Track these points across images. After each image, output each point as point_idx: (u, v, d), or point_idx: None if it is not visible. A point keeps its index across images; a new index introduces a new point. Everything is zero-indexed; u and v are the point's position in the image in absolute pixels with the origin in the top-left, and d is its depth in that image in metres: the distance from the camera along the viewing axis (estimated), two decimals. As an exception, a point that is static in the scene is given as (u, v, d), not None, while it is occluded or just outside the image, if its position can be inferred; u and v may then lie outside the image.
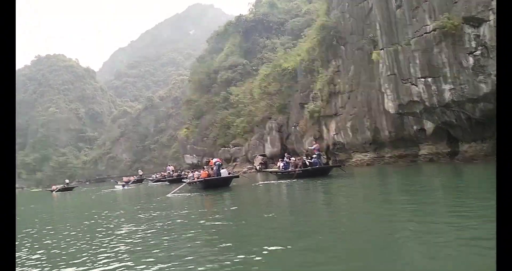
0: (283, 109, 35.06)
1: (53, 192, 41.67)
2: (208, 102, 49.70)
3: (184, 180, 24.20)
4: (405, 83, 17.28)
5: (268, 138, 35.15)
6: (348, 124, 24.18)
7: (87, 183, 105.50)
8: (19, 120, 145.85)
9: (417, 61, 16.41)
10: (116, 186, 36.40)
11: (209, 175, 19.96)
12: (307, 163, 21.28)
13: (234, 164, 39.24)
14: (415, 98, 16.78)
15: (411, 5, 16.96)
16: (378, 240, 5.10)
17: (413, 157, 21.01)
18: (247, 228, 7.16)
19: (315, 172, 19.71)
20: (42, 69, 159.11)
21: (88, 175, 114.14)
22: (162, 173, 44.56)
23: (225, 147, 42.49)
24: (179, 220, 8.78)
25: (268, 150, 35.21)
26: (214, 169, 20.51)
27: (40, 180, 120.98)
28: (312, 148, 21.61)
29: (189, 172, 32.17)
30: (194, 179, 21.22)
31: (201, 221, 8.33)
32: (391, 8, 18.21)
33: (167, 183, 33.43)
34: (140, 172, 49.15)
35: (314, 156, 21.55)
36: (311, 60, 29.48)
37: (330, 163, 23.53)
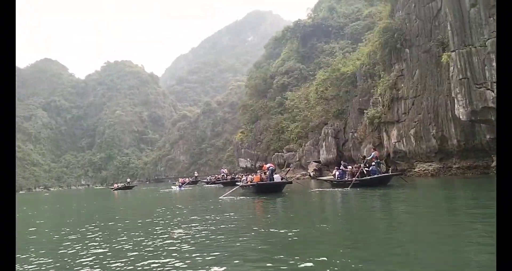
0: (340, 115, 33.92)
1: (114, 190, 44.21)
2: (264, 107, 49.82)
3: (238, 183, 24.28)
4: (479, 88, 15.67)
5: (324, 144, 34.15)
6: (412, 131, 22.58)
7: (147, 182, 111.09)
8: (88, 122, 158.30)
9: (494, 64, 14.80)
10: (172, 187, 37.58)
11: (261, 180, 19.73)
12: (365, 171, 20.18)
13: (287, 169, 38.61)
14: (490, 105, 15.12)
15: (488, 4, 15.39)
16: (444, 265, 4.27)
17: (484, 168, 18.99)
18: (300, 236, 6.65)
19: (373, 182, 18.58)
20: (111, 74, 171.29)
21: (148, 174, 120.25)
22: (216, 175, 45.31)
23: (278, 152, 42.14)
24: (231, 225, 8.48)
25: (323, 156, 34.20)
26: (267, 173, 20.20)
27: (105, 178, 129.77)
28: (371, 156, 20.43)
29: (242, 175, 32.39)
30: (247, 183, 21.13)
31: (254, 227, 7.99)
32: (464, 8, 16.70)
33: (221, 185, 33.88)
34: (196, 174, 50.50)
35: (373, 164, 20.39)
36: (372, 64, 28.19)
37: (390, 171, 22.15)
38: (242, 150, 51.77)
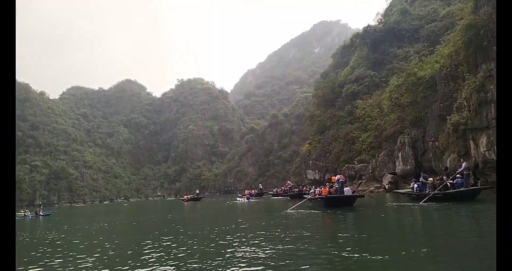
0: (417, 123, 31.25)
1: (184, 201, 45.75)
2: (332, 116, 48.17)
3: (305, 196, 23.40)
4: None
5: (400, 154, 31.64)
6: (506, 138, 19.75)
7: (217, 193, 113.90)
8: (164, 137, 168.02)
9: None
10: (237, 199, 37.65)
11: (330, 193, 18.76)
12: (448, 184, 17.97)
13: (359, 182, 36.43)
14: None
15: None
16: None
17: None
18: (376, 260, 5.74)
19: (459, 196, 16.38)
20: (184, 91, 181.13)
21: (218, 186, 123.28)
22: (283, 187, 44.85)
23: (349, 164, 40.11)
24: (299, 243, 7.71)
25: (399, 167, 31.64)
26: (336, 186, 19.11)
27: (178, 189, 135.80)
28: (461, 168, 18.03)
29: (310, 187, 31.21)
30: (315, 195, 20.16)
31: (323, 248, 7.25)
32: None
33: (288, 197, 33.00)
34: (260, 186, 50.51)
35: (458, 176, 18.06)
36: (454, 66, 25.55)
37: (479, 184, 19.44)
38: (310, 161, 50.36)
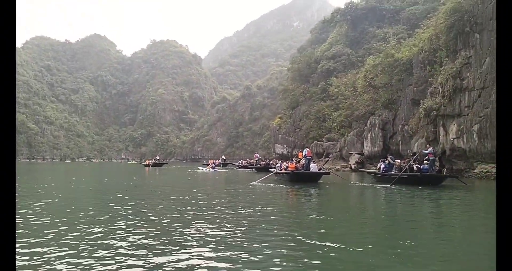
0: (389, 105, 31.27)
1: (145, 166, 44.69)
2: (305, 92, 47.64)
3: (272, 170, 23.07)
4: None
5: (369, 135, 31.75)
6: (475, 127, 19.87)
7: (183, 161, 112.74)
8: (132, 98, 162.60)
9: None
10: (199, 167, 36.94)
11: (296, 168, 18.54)
12: (415, 168, 17.99)
13: (326, 159, 36.63)
14: None
15: None
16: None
17: None
18: (334, 235, 5.82)
19: (424, 180, 16.42)
20: (156, 53, 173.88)
21: (185, 153, 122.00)
22: (248, 159, 44.71)
23: (318, 141, 40.11)
24: (259, 223, 7.06)
25: (367, 148, 31.86)
26: (303, 162, 18.81)
27: (144, 154, 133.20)
28: (427, 152, 18.11)
29: (277, 161, 30.90)
30: (281, 170, 19.93)
31: (286, 219, 7.33)
32: None
33: (254, 170, 32.62)
34: (223, 157, 50.31)
35: (425, 161, 18.13)
36: (433, 50, 25.27)
37: (445, 171, 19.68)
38: (280, 135, 50.10)
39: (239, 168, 40.09)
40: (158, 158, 53.56)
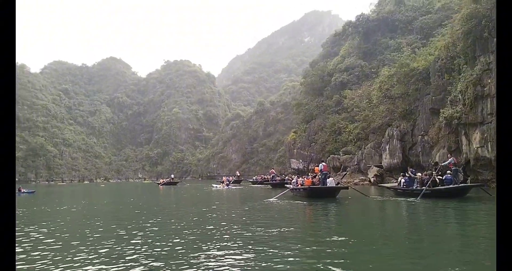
0: (407, 116, 30.40)
1: (160, 185, 44.48)
2: (319, 106, 47.10)
3: (287, 185, 22.49)
4: None
5: (387, 147, 30.82)
6: (501, 135, 18.93)
7: (199, 179, 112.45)
8: (147, 118, 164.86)
9: None
10: (213, 185, 36.01)
11: (313, 183, 18.00)
12: (437, 180, 17.09)
13: (344, 173, 35.71)
14: None
15: None
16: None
17: None
18: (356, 254, 5.61)
19: (448, 193, 15.55)
20: (170, 73, 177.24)
21: (200, 171, 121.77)
22: (263, 175, 44.09)
23: (334, 154, 39.25)
24: (278, 242, 6.81)
25: (386, 160, 30.87)
26: (319, 177, 18.29)
27: (160, 173, 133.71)
28: (447, 162, 17.30)
29: (293, 177, 30.24)
30: (297, 185, 19.39)
31: (304, 243, 6.73)
32: None
33: (269, 186, 31.95)
34: (238, 173, 49.68)
35: (448, 171, 17.25)
36: (450, 58, 24.56)
37: (469, 181, 18.68)
38: (295, 150, 49.39)
39: (253, 184, 39.45)
40: (173, 176, 53.44)
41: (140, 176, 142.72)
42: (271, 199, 16.76)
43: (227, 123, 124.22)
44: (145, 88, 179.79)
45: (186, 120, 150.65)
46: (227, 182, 35.10)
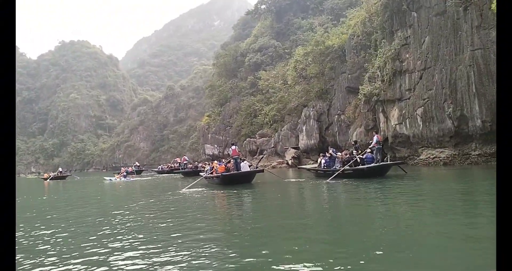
0: (323, 95, 29.78)
1: (45, 180, 37.86)
2: (234, 87, 44.84)
3: (202, 173, 20.12)
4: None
5: (304, 128, 29.92)
6: (419, 111, 18.71)
7: (103, 170, 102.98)
8: (40, 105, 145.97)
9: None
10: (106, 178, 30.52)
11: (227, 169, 16.56)
12: (358, 159, 16.06)
13: (261, 157, 34.25)
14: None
15: None
16: None
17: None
18: (274, 241, 5.17)
19: (370, 172, 14.62)
20: (65, 54, 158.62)
21: (105, 162, 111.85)
22: (169, 163, 40.86)
23: (250, 138, 37.56)
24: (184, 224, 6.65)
25: (303, 141, 29.99)
26: (232, 162, 16.88)
27: (57, 166, 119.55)
28: (374, 141, 16.34)
29: (206, 164, 27.57)
30: (211, 172, 17.60)
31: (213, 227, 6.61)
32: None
33: (181, 175, 28.73)
34: (137, 163, 45.40)
35: (368, 150, 16.34)
36: (367, 34, 24.04)
37: (388, 159, 18.21)
38: (209, 135, 46.62)
39: (160, 173, 35.88)
40: (61, 169, 46.13)
41: (33, 170, 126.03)
42: (182, 190, 14.71)
43: (134, 110, 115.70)
44: (36, 72, 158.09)
45: (86, 107, 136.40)
46: (124, 174, 30.81)
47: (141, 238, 5.90)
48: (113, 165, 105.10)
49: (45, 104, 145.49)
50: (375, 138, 16.37)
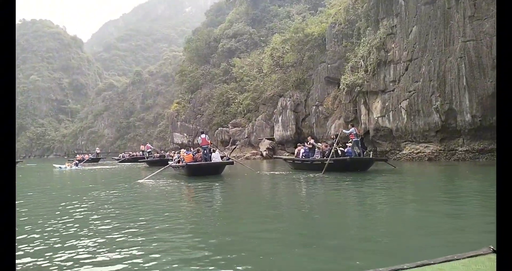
0: (300, 85, 28.62)
1: None
2: (206, 74, 42.89)
3: (171, 163, 18.48)
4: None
5: (280, 118, 28.72)
6: (403, 103, 17.90)
7: (65, 157, 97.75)
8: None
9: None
10: (55, 165, 27.76)
11: (195, 159, 15.37)
12: (339, 151, 15.05)
13: (233, 147, 32.82)
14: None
15: None
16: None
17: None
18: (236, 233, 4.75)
19: (352, 165, 13.64)
20: (26, 34, 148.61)
21: (66, 148, 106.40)
22: (131, 152, 38.78)
23: (222, 127, 35.97)
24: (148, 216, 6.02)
25: (278, 133, 28.83)
26: (202, 151, 15.74)
27: (16, 151, 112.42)
28: (348, 132, 15.36)
29: (175, 153, 25.77)
30: (178, 162, 16.39)
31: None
32: None
33: (146, 164, 26.67)
34: (98, 150, 42.73)
35: (348, 144, 15.39)
36: (349, 22, 22.97)
37: (371, 154, 17.33)
38: (178, 123, 44.48)
39: (120, 162, 33.62)
40: None
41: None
42: (142, 180, 13.38)
43: (98, 94, 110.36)
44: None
45: (47, 90, 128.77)
46: (76, 162, 28.42)
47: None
48: (75, 152, 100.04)
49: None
50: (352, 129, 15.34)
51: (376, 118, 19.62)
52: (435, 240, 4.10)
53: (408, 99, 17.62)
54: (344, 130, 16.41)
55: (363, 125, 20.67)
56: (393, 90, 18.62)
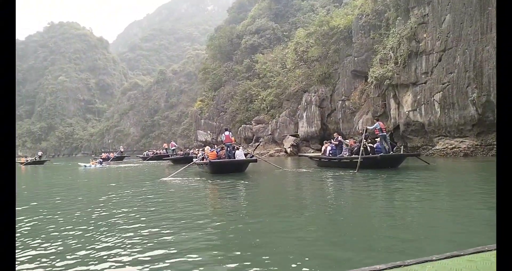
0: (326, 80, 27.89)
1: (22, 165, 35.89)
2: (229, 71, 42.66)
3: (195, 160, 18.32)
4: None
5: (304, 114, 28.10)
6: (437, 96, 16.97)
7: (92, 155, 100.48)
8: (28, 88, 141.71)
9: None
10: (81, 164, 28.36)
11: (219, 157, 15.14)
12: (369, 148, 14.36)
13: (257, 144, 32.49)
14: None
15: None
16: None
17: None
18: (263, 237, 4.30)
19: (383, 162, 12.96)
20: (54, 36, 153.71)
21: (94, 147, 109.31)
22: (154, 150, 39.04)
23: (246, 124, 35.66)
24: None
25: (303, 129, 28.22)
26: (225, 149, 15.55)
27: (45, 150, 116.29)
28: (372, 127, 14.63)
29: (199, 150, 25.63)
30: (202, 159, 16.41)
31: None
32: None
33: (170, 162, 26.67)
34: (122, 149, 43.26)
35: (377, 139, 14.65)
36: (377, 12, 22.08)
37: (402, 149, 16.52)
38: (202, 120, 44.54)
39: (145, 160, 33.83)
40: (40, 153, 43.63)
41: (20, 153, 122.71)
42: (167, 178, 13.19)
43: (124, 94, 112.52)
44: (23, 53, 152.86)
45: (75, 90, 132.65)
46: (100, 160, 28.83)
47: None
48: (102, 150, 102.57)
49: (32, 86, 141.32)
50: (376, 124, 14.58)
51: (406, 112, 18.74)
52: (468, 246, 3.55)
53: (441, 92, 16.68)
54: (368, 127, 15.71)
55: (392, 120, 19.82)
56: (425, 83, 17.69)
